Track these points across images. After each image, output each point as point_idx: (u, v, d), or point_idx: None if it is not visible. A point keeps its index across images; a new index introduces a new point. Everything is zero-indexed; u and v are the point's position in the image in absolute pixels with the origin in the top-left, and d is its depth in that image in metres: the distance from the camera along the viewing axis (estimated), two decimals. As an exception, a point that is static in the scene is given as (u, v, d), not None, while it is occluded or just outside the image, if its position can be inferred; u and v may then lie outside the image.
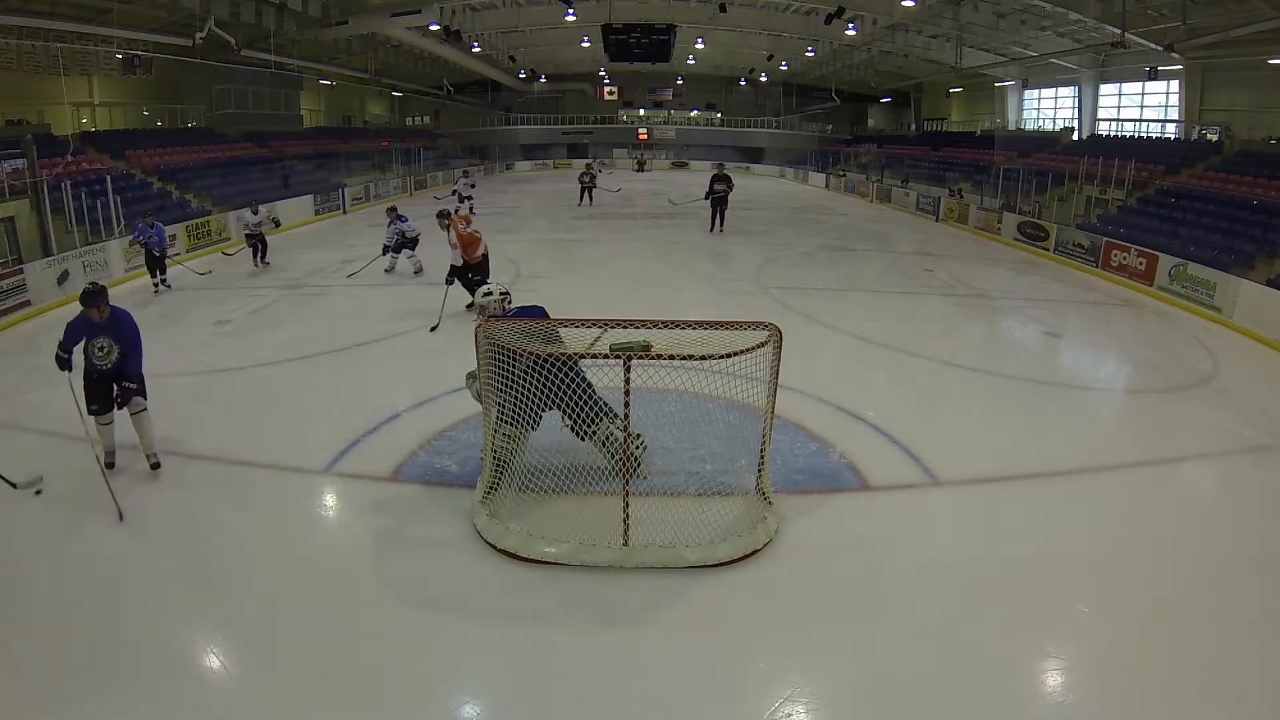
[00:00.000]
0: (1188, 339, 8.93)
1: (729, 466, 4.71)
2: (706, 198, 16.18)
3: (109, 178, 12.78)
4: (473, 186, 19.84)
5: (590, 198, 20.64)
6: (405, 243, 10.96)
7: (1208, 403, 6.70)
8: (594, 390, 4.40)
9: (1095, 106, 21.58)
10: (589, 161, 32.64)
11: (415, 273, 11.06)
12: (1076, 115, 22.10)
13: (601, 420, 4.50)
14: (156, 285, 10.29)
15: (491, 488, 4.33)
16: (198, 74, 20.09)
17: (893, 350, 7.85)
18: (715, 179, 15.91)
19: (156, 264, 10.29)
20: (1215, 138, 16.75)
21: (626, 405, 3.85)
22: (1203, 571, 4.04)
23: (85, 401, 4.77)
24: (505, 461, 4.29)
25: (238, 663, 3.23)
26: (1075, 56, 20.39)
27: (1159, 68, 18.14)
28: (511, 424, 4.23)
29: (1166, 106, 19.36)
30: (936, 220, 19.79)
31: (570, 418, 4.39)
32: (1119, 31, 15.56)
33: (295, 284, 10.74)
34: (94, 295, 4.67)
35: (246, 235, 12.34)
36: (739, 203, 22.02)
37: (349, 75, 27.46)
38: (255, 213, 12.13)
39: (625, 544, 3.93)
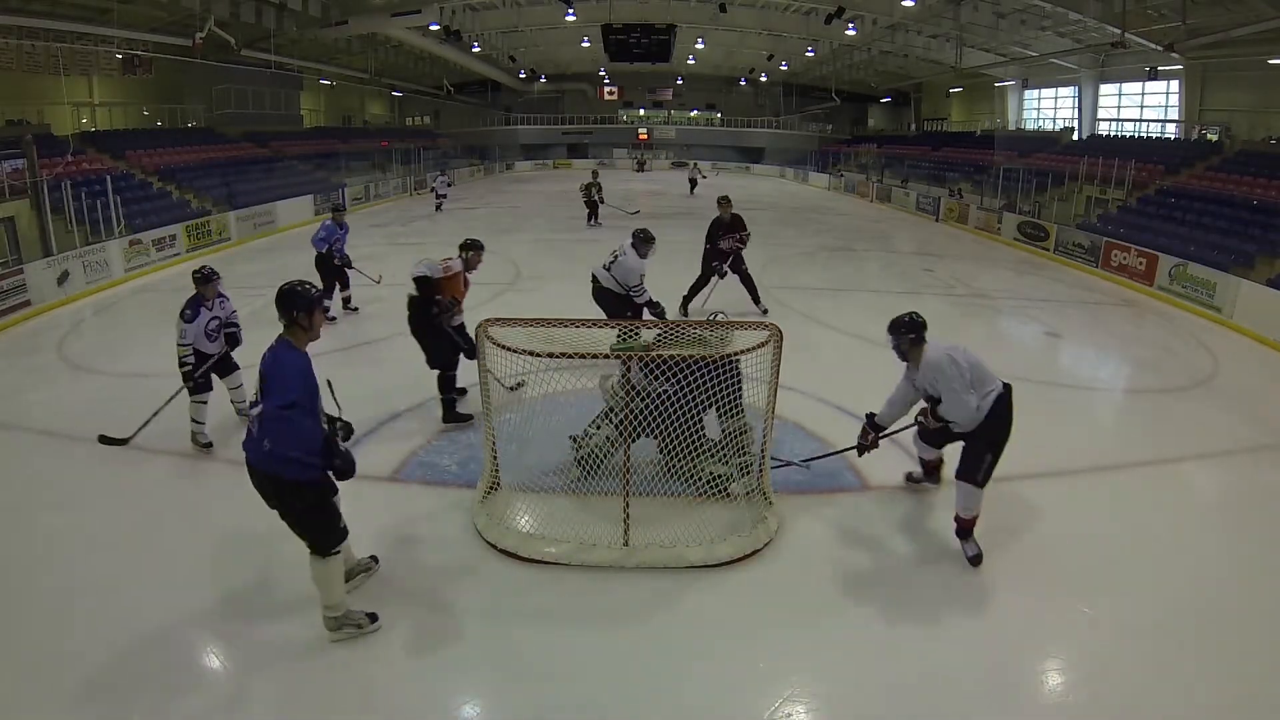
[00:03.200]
0: (1188, 339, 8.93)
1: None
2: (713, 269, 8.83)
3: (109, 178, 12.78)
4: (449, 185, 21.70)
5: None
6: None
7: (1208, 403, 6.70)
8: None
9: (1095, 106, 21.60)
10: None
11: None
12: (1076, 115, 22.13)
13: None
14: (328, 309, 5.54)
15: (491, 488, 4.33)
16: (198, 74, 20.12)
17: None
18: (725, 230, 8.72)
19: (336, 277, 7.41)
20: (1215, 138, 16.76)
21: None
22: (1204, 572, 4.04)
23: None
24: (598, 460, 4.31)
25: (236, 662, 3.23)
26: (1075, 56, 20.42)
27: (1159, 68, 18.17)
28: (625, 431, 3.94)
29: (1166, 106, 19.39)
30: (936, 220, 19.80)
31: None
32: (1119, 31, 15.59)
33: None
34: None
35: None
36: (739, 203, 22.04)
37: (349, 75, 27.50)
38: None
39: (625, 544, 3.93)
